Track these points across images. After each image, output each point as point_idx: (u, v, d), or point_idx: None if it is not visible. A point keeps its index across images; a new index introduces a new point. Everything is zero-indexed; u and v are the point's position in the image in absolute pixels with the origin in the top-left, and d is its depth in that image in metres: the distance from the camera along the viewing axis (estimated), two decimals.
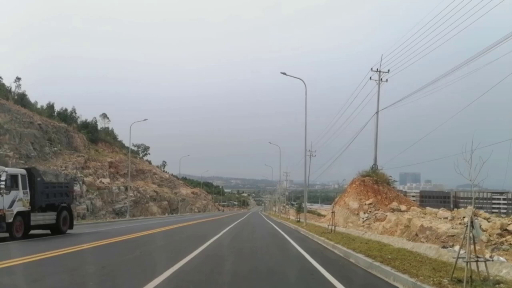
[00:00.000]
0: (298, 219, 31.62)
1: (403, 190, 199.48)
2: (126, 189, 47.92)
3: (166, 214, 53.49)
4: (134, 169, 78.45)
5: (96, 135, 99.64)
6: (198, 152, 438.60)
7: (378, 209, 30.09)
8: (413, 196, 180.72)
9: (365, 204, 30.73)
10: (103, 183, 41.90)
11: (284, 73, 29.35)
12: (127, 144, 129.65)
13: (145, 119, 36.07)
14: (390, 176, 33.68)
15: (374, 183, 32.75)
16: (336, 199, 35.20)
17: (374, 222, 27.40)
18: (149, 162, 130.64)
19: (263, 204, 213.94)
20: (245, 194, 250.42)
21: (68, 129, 71.16)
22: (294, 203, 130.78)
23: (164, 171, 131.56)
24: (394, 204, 30.44)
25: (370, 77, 34.36)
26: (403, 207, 30.20)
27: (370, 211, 30.03)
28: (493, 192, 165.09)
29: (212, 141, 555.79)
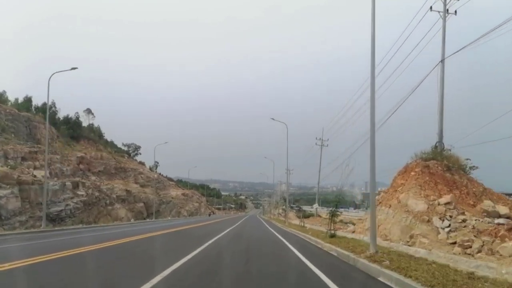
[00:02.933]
0: (333, 232, 17.55)
1: None
2: (77, 185, 34.74)
3: (132, 220, 39.92)
4: (113, 166, 65.06)
5: (78, 132, 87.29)
6: (196, 154, 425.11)
7: (463, 212, 16.87)
8: None
9: (439, 204, 17.44)
10: (35, 176, 28.75)
11: None
12: (119, 145, 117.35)
13: (73, 68, 23.22)
14: (468, 160, 20.28)
15: (446, 170, 19.49)
16: (379, 197, 21.74)
17: (476, 235, 14.16)
18: (142, 163, 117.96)
19: (261, 207, 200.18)
20: (242, 197, 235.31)
21: (31, 119, 58.06)
22: (293, 205, 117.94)
23: (156, 171, 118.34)
24: (488, 204, 17.29)
25: (431, 7, 21.20)
26: (502, 209, 17.10)
27: (450, 216, 16.72)
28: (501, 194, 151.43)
29: (209, 144, 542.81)
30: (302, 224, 27.81)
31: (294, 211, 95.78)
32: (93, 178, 52.91)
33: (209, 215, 71.07)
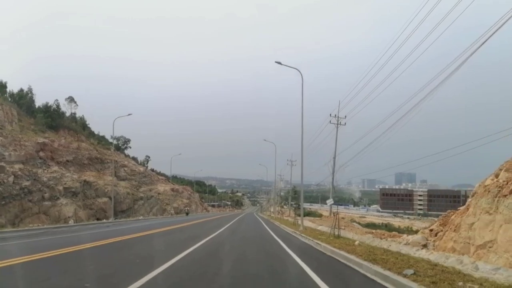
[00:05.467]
0: None
1: (410, 188, 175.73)
2: None
3: (71, 222, 28.25)
4: (87, 157, 54.04)
5: (58, 121, 76.52)
6: (193, 152, 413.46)
7: None
8: (421, 195, 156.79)
9: None
10: None
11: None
12: (109, 139, 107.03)
13: None
14: None
15: None
16: (498, 184, 10.76)
17: None
18: (135, 158, 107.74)
19: (258, 205, 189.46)
20: (239, 194, 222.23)
21: None
22: (292, 203, 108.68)
23: (146, 166, 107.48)
24: None
25: None
26: None
27: None
28: None
29: (207, 142, 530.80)
30: (337, 233, 15.42)
31: (293, 208, 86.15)
32: (54, 168, 41.96)
33: (187, 213, 50.62)
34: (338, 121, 31.93)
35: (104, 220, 30.73)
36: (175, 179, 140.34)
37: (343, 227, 22.32)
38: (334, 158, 31.59)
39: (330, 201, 31.19)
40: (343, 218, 57.49)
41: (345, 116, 31.93)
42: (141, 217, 40.75)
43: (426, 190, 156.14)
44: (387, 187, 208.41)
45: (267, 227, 23.75)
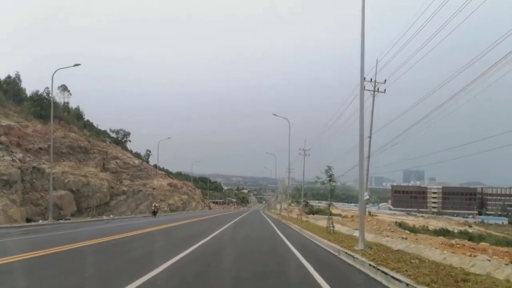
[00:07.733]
0: None
1: (423, 186, 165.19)
2: None
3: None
4: (67, 145, 45.65)
5: (48, 110, 68.70)
6: (200, 150, 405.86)
7: None
8: (435, 193, 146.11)
9: None
10: None
11: None
12: (111, 132, 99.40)
13: None
14: None
15: None
16: None
17: None
18: (138, 154, 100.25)
19: (264, 202, 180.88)
20: (245, 191, 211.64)
21: None
22: (299, 200, 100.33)
23: (146, 161, 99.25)
24: None
25: None
26: None
27: None
28: None
29: (214, 139, 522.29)
30: None
31: (301, 206, 77.02)
32: (19, 155, 33.56)
33: (154, 213, 35.01)
34: (375, 86, 22.92)
35: (40, 221, 21.65)
36: (180, 175, 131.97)
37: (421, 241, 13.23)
38: (370, 137, 22.45)
39: (366, 195, 22.00)
40: (352, 216, 47.72)
41: (385, 81, 22.93)
42: (111, 216, 31.16)
43: (440, 187, 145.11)
44: (395, 184, 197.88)
45: (286, 240, 14.21)
